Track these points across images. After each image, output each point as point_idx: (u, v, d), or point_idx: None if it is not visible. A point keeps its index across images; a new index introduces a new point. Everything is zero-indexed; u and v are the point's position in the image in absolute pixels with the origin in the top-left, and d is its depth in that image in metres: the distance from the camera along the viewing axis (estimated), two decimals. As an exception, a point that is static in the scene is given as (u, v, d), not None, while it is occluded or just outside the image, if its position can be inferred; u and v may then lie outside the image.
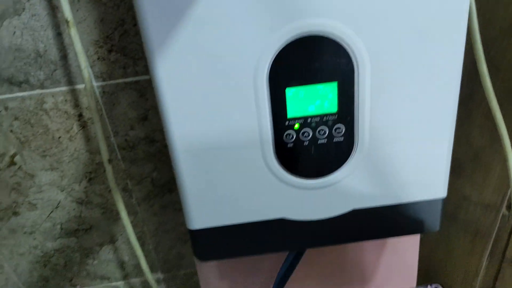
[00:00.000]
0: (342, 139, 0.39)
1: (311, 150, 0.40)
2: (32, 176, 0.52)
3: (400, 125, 0.39)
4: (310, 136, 0.39)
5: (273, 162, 0.40)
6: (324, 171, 0.41)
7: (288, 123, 0.38)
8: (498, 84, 0.46)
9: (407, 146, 0.40)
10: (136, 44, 0.46)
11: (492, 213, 0.56)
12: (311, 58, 0.36)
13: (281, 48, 0.35)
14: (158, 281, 0.65)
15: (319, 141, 0.39)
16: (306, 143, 0.39)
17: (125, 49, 0.47)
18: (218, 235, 0.43)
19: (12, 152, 0.50)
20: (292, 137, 0.39)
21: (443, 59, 0.37)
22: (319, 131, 0.39)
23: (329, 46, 0.35)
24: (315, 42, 0.35)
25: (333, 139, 0.39)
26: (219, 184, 0.40)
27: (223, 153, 0.39)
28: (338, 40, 0.35)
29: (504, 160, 0.49)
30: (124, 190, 0.55)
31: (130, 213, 0.57)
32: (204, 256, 0.45)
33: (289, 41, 0.35)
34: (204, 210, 0.42)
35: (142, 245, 0.61)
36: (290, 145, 0.39)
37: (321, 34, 0.35)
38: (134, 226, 0.58)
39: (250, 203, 0.42)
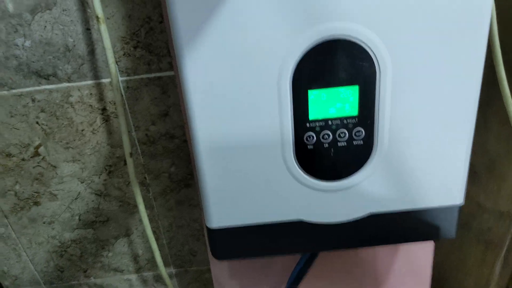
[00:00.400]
0: (361, 142, 0.40)
1: (330, 153, 0.40)
2: (54, 167, 0.54)
3: (420, 130, 0.39)
4: (330, 138, 0.39)
5: (293, 163, 0.40)
6: (342, 174, 0.41)
7: (310, 125, 0.39)
8: (518, 93, 0.46)
9: (426, 151, 0.40)
10: (161, 41, 0.47)
11: (505, 222, 0.56)
12: (334, 61, 0.36)
13: (305, 51, 0.36)
14: (170, 276, 0.66)
15: (339, 144, 0.40)
16: (326, 145, 0.40)
17: (150, 46, 0.48)
18: (236, 234, 0.44)
19: (37, 143, 0.52)
20: (313, 139, 0.39)
21: (463, 63, 0.37)
22: (339, 134, 0.39)
23: (352, 49, 0.36)
24: (338, 46, 0.36)
25: (353, 142, 0.40)
26: (239, 183, 0.41)
27: (244, 152, 0.40)
28: (361, 43, 0.36)
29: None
30: (142, 184, 0.56)
31: (146, 207, 0.58)
32: (221, 255, 0.46)
33: (313, 45, 0.36)
34: (224, 209, 0.42)
35: (156, 239, 0.62)
36: (310, 147, 0.40)
37: (344, 38, 0.35)
38: (150, 220, 0.59)
39: (269, 204, 0.42)
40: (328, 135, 0.39)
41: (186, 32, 0.35)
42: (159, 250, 0.63)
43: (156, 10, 0.46)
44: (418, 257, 0.57)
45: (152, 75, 0.49)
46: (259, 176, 0.41)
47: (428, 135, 0.40)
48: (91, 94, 0.49)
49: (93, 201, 0.57)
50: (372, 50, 0.36)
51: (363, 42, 0.36)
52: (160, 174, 0.56)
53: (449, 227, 0.45)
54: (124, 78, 0.49)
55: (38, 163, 0.53)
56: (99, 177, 0.55)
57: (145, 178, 0.56)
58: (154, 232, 0.61)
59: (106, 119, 0.51)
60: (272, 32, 0.35)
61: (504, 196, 0.56)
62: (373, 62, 0.37)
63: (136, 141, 0.53)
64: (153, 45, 0.48)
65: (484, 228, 0.59)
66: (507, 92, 0.44)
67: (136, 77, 0.49)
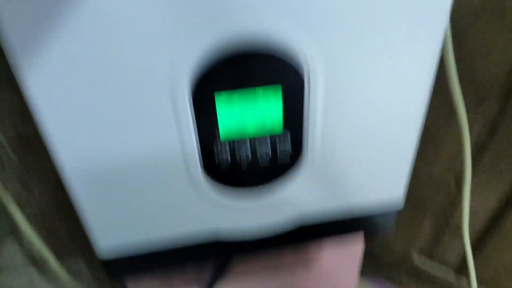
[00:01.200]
0: (288, 155, 0.31)
1: (249, 166, 0.31)
2: None
3: (358, 140, 0.31)
4: (249, 152, 0.30)
5: (202, 183, 0.31)
6: (264, 182, 0.32)
7: (220, 142, 0.29)
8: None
9: (364, 160, 0.33)
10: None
11: (440, 189, 0.54)
12: (249, 71, 0.26)
13: (207, 65, 0.24)
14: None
15: (261, 163, 0.31)
16: (243, 160, 0.31)
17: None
18: (135, 262, 0.35)
19: None
20: (226, 154, 0.30)
21: (412, 72, 0.28)
22: (261, 155, 0.30)
23: (271, 57, 0.25)
24: (254, 56, 0.25)
25: (277, 155, 0.31)
26: (133, 211, 0.31)
27: (137, 177, 0.29)
28: (284, 48, 0.25)
29: (456, 137, 0.45)
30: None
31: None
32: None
33: (216, 52, 0.24)
34: (119, 239, 0.33)
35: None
36: (224, 162, 0.30)
37: (261, 39, 0.24)
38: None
39: (176, 226, 0.34)
40: (246, 149, 0.30)
41: (24, 44, 0.21)
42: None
43: None
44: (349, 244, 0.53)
45: None
46: (160, 200, 0.31)
47: (367, 143, 0.32)
48: None
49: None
50: (300, 60, 0.25)
51: (287, 45, 0.25)
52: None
53: (386, 227, 0.40)
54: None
55: None
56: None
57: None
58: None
59: None
60: (160, 34, 0.23)
61: (440, 165, 0.53)
62: (299, 72, 0.26)
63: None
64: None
65: (418, 195, 0.57)
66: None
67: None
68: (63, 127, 0.25)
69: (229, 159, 0.30)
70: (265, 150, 0.30)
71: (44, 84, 0.24)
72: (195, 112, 0.27)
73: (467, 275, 0.57)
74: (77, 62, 0.23)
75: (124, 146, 0.27)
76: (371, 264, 0.69)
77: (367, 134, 0.31)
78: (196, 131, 0.28)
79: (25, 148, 0.42)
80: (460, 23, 0.39)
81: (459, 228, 0.53)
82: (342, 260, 0.52)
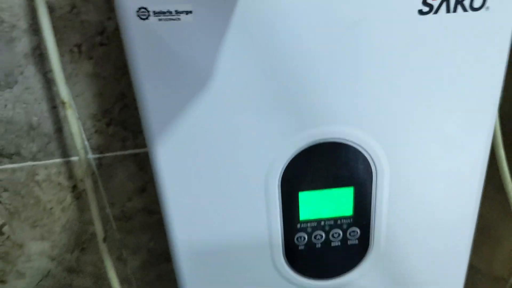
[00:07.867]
0: (356, 242, 0.37)
1: (323, 253, 0.37)
2: (20, 246, 0.49)
3: (419, 229, 0.37)
4: (323, 238, 0.36)
5: (283, 264, 0.37)
6: (336, 273, 0.38)
7: (300, 225, 0.36)
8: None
9: (425, 251, 0.38)
10: (137, 118, 0.43)
11: (500, 286, 0.54)
12: (328, 163, 0.33)
13: (296, 154, 0.32)
14: None
15: (333, 244, 0.37)
16: (318, 246, 0.37)
17: (125, 122, 0.44)
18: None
19: (0, 223, 0.47)
20: (304, 239, 0.36)
21: (464, 165, 0.34)
22: (332, 234, 0.36)
23: (347, 152, 0.33)
24: (333, 148, 0.33)
25: (347, 242, 0.37)
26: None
27: (229, 255, 0.36)
28: (357, 147, 0.33)
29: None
30: (119, 259, 0.52)
31: (124, 281, 0.54)
32: None
33: (304, 147, 0.32)
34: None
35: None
36: (301, 247, 0.37)
37: (339, 141, 0.32)
38: (128, 292, 0.55)
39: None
40: (321, 236, 0.36)
41: (160, 134, 0.31)
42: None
43: (131, 88, 0.41)
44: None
45: (127, 151, 0.45)
46: (246, 279, 0.37)
47: (428, 234, 0.37)
48: (59, 172, 0.45)
49: (65, 277, 0.52)
50: (368, 153, 0.33)
51: (359, 145, 0.32)
52: (139, 249, 0.52)
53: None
54: (96, 156, 0.45)
55: (2, 242, 0.48)
56: (71, 254, 0.51)
57: (122, 253, 0.52)
58: (133, 303, 0.57)
59: (77, 197, 0.47)
60: (260, 133, 0.31)
61: (499, 261, 0.54)
62: (369, 165, 0.33)
63: (111, 218, 0.49)
64: (128, 121, 0.43)
65: (478, 290, 0.57)
66: (505, 171, 0.42)
67: (109, 154, 0.45)
68: (183, 209, 0.33)
69: (306, 237, 0.36)
70: (336, 230, 0.36)
71: (172, 169, 0.32)
72: (281, 197, 0.34)
73: None
74: (206, 158, 0.32)
75: (226, 228, 0.35)
76: None
77: (426, 222, 0.36)
78: (282, 215, 0.35)
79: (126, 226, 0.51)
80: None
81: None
82: None
